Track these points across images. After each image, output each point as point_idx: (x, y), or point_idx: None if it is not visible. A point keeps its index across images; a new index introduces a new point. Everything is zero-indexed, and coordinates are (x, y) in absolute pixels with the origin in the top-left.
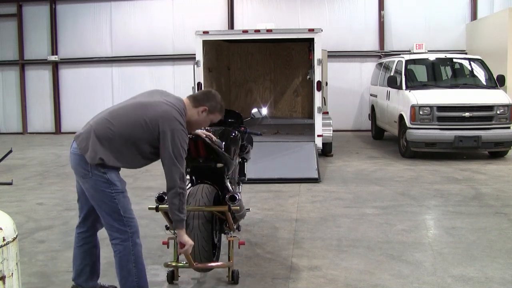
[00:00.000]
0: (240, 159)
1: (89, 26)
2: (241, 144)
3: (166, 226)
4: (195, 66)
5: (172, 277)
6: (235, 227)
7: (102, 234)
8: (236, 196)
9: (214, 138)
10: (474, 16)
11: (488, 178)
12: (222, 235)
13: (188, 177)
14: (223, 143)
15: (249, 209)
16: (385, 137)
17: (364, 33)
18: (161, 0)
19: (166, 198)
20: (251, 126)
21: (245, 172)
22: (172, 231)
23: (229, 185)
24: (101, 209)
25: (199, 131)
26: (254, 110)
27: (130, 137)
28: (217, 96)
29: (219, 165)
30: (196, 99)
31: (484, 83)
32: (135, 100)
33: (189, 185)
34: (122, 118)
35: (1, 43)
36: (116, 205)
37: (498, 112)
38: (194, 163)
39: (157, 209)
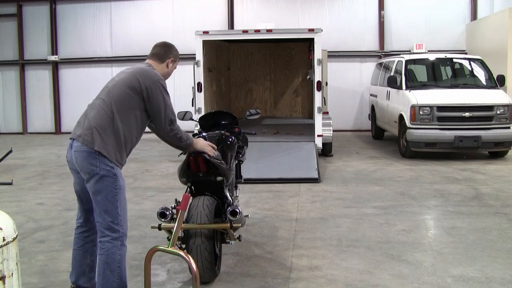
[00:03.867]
0: (236, 161)
1: (89, 26)
2: (238, 146)
3: (167, 237)
4: (195, 66)
5: None
6: (236, 237)
7: None
8: (237, 210)
9: (213, 153)
10: (474, 16)
11: (488, 178)
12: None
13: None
14: (220, 146)
15: (248, 215)
16: (385, 137)
17: (364, 33)
18: (161, 0)
19: (168, 213)
20: (249, 127)
21: (242, 174)
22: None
23: (228, 194)
24: (99, 206)
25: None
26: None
27: (125, 109)
28: (174, 46)
29: (219, 178)
30: (160, 55)
31: (484, 83)
32: (110, 85)
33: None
34: (112, 100)
35: (1, 43)
36: (116, 202)
37: (498, 112)
38: (194, 178)
39: (159, 227)
